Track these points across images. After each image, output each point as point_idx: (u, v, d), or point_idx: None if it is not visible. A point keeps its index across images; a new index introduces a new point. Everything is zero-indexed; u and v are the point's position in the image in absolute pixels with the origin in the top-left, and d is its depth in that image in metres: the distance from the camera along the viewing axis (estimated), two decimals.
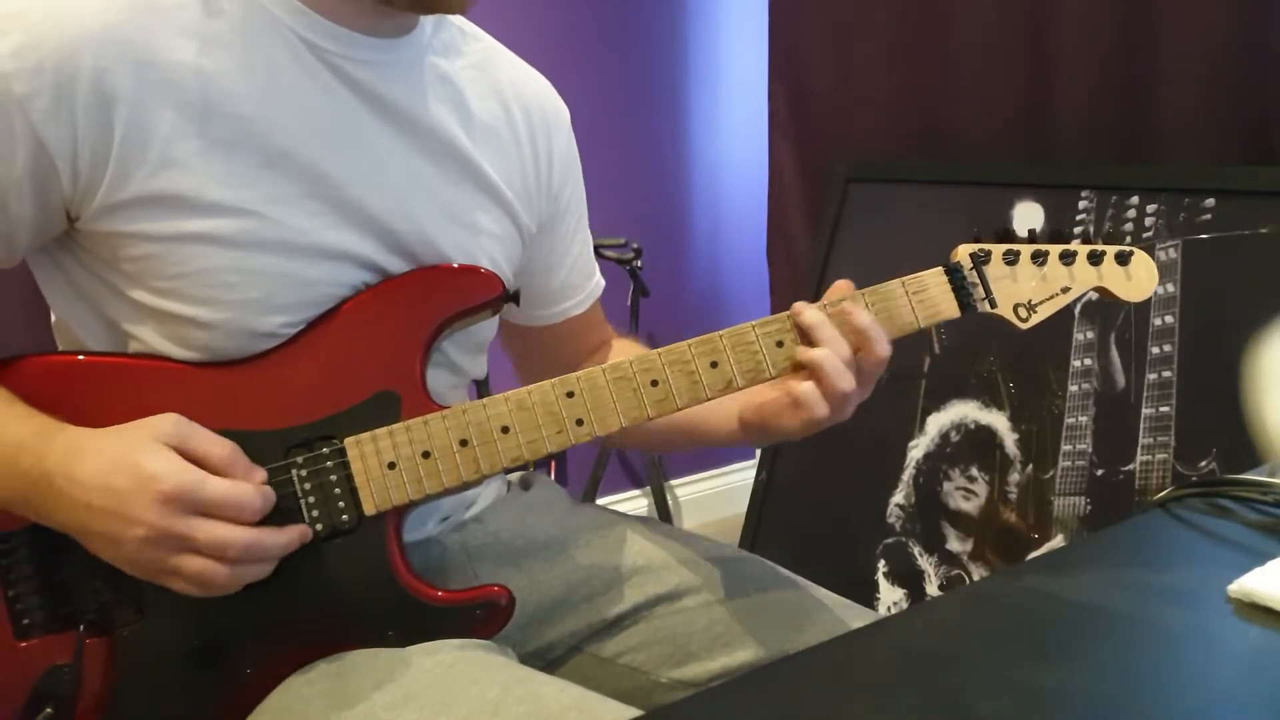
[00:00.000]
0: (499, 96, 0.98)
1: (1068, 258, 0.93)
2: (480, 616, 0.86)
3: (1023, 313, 0.92)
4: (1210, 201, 1.65)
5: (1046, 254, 0.93)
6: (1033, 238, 0.94)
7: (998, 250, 0.92)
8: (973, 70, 2.04)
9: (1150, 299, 1.68)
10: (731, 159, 2.73)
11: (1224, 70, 1.71)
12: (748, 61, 2.64)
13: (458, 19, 0.98)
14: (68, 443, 0.77)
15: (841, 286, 0.89)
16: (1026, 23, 1.96)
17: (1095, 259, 0.94)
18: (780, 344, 0.88)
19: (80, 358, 0.86)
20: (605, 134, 2.45)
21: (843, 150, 2.27)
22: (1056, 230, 0.96)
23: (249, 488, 0.78)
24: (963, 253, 0.92)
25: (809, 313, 0.87)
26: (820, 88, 2.33)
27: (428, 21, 0.93)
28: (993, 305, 0.92)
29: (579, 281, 1.10)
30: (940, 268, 0.91)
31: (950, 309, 0.91)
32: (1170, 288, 1.67)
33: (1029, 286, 0.93)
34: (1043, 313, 0.93)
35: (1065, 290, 0.93)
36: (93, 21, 0.78)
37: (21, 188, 0.79)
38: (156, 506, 0.74)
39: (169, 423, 0.77)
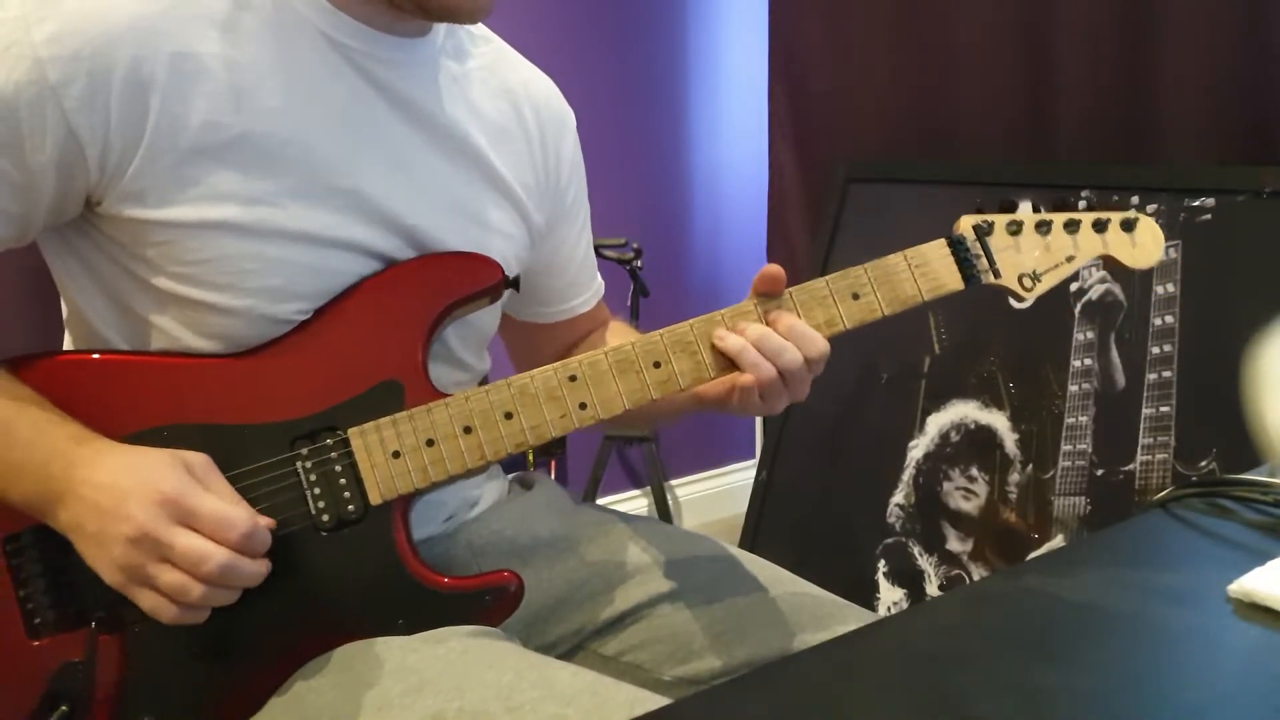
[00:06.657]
0: (509, 96, 1.00)
1: (1072, 226, 0.92)
2: (489, 603, 0.86)
3: (1027, 282, 0.91)
4: (1210, 201, 1.65)
5: (1050, 223, 0.91)
6: (1036, 209, 0.93)
7: (1001, 220, 0.91)
8: (973, 70, 2.04)
9: (1151, 297, 1.68)
10: (731, 159, 2.73)
11: (1224, 70, 1.71)
12: (748, 61, 2.64)
13: None
14: (97, 452, 0.78)
15: (769, 278, 0.88)
16: (1026, 22, 1.96)
17: (1100, 226, 0.92)
18: None
19: (88, 356, 0.87)
20: (605, 134, 2.45)
21: (843, 150, 2.27)
22: (1061, 199, 0.94)
23: (240, 510, 0.78)
24: (965, 224, 0.91)
25: (729, 339, 0.86)
26: (820, 88, 2.33)
27: (441, 25, 0.94)
28: (996, 276, 0.91)
29: (585, 281, 1.11)
30: (943, 239, 0.90)
31: (953, 281, 0.90)
32: (1170, 288, 1.67)
33: (1033, 256, 0.91)
34: (1047, 282, 0.91)
35: (1070, 259, 0.92)
36: (130, 11, 0.79)
37: (48, 173, 0.80)
38: (149, 506, 0.74)
39: (199, 457, 0.79)
